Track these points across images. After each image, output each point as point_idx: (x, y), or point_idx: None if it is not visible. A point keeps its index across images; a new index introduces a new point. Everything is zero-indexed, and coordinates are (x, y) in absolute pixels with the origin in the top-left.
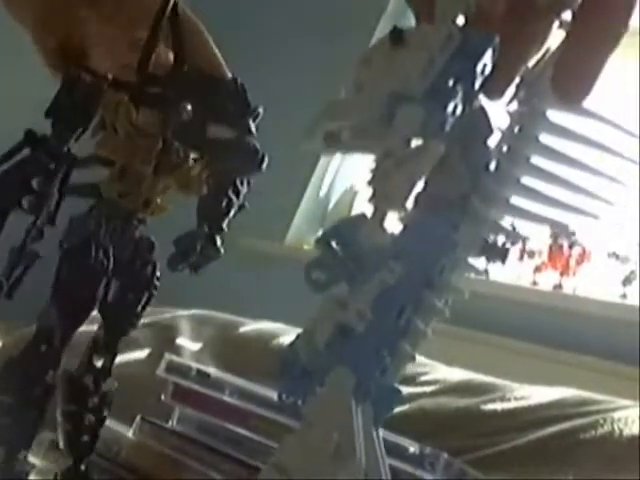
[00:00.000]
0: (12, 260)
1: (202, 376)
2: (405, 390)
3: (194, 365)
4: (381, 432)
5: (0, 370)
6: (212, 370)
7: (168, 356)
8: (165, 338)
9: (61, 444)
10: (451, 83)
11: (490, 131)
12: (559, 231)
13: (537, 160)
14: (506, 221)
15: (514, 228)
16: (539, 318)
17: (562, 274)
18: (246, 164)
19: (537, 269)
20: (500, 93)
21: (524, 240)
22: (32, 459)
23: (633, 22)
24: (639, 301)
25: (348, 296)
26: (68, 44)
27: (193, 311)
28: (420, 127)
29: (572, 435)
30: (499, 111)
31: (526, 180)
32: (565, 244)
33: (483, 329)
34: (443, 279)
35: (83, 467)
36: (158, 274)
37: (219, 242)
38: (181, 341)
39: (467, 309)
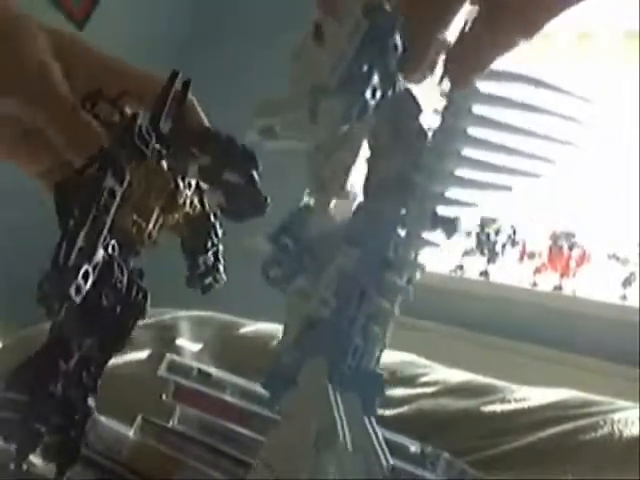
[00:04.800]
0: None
1: (203, 376)
2: (405, 391)
3: (195, 365)
4: (375, 421)
5: (16, 367)
6: (213, 370)
7: (169, 356)
8: (165, 338)
9: (42, 454)
10: (365, 68)
11: (419, 109)
12: (502, 190)
13: (474, 130)
14: (506, 222)
15: (514, 230)
16: (539, 319)
17: (562, 275)
18: (253, 207)
19: (537, 270)
20: (420, 73)
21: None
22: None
23: (633, 24)
24: (639, 302)
25: (310, 287)
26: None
27: (193, 311)
28: (342, 116)
29: (572, 436)
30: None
31: (466, 151)
32: (565, 245)
33: (483, 330)
34: (400, 257)
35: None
36: (148, 300)
37: (222, 269)
38: (181, 341)
39: (467, 310)
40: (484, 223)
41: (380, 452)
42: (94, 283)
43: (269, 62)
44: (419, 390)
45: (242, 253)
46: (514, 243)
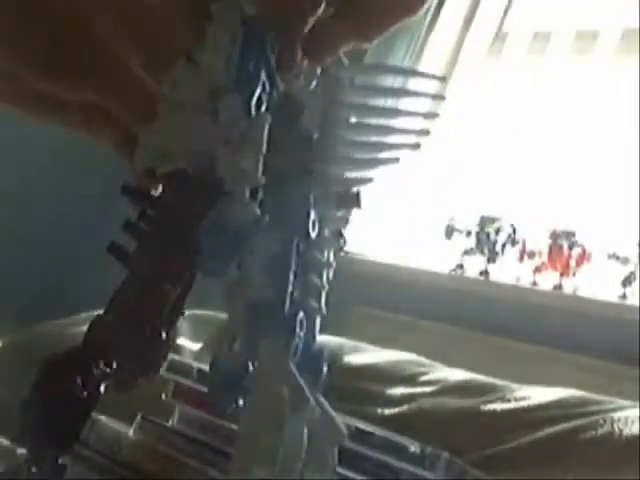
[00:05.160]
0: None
1: (203, 375)
2: (405, 390)
3: (195, 364)
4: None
5: (40, 370)
6: None
7: (169, 355)
8: None
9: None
10: (252, 68)
11: (301, 107)
12: (390, 163)
13: (355, 117)
14: (506, 222)
15: (514, 230)
16: (539, 318)
17: (562, 275)
18: None
19: (537, 269)
20: (289, 67)
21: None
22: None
23: (633, 23)
24: (639, 302)
25: (245, 275)
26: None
27: (193, 311)
28: (242, 109)
29: (572, 435)
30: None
31: (352, 136)
32: (565, 245)
33: (483, 329)
34: (318, 235)
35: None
36: None
37: None
38: (181, 341)
39: (467, 309)
40: (484, 222)
41: (340, 424)
42: None
43: None
44: (419, 389)
45: None
46: (514, 242)
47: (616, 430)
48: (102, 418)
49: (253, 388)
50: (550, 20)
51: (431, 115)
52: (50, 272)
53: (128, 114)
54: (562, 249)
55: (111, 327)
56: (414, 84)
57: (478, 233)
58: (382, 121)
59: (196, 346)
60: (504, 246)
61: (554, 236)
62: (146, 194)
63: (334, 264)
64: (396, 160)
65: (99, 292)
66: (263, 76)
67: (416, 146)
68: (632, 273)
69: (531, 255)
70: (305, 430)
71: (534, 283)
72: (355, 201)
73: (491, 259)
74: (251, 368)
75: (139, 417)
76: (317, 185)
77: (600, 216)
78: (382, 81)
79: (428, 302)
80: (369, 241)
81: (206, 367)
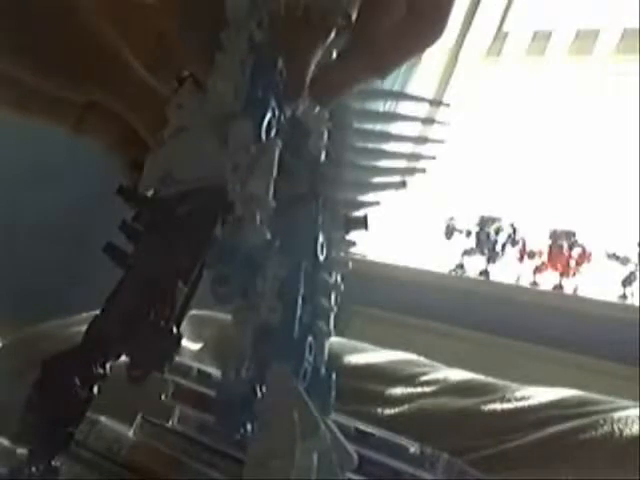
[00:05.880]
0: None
1: (203, 376)
2: (405, 390)
3: (195, 365)
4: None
5: (42, 369)
6: (213, 370)
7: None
8: None
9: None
10: (261, 93)
11: (307, 131)
12: (396, 188)
13: (361, 142)
14: (506, 222)
15: (515, 230)
16: (539, 318)
17: (562, 275)
18: None
19: (537, 270)
20: (297, 95)
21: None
22: None
23: (633, 23)
24: (639, 302)
25: (253, 299)
26: None
27: (193, 311)
28: (253, 134)
29: (572, 435)
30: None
31: (359, 160)
32: (565, 245)
33: (483, 329)
34: (326, 257)
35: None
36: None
37: None
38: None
39: (467, 309)
40: (484, 223)
41: (349, 449)
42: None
43: None
44: (419, 389)
45: None
46: (514, 242)
47: (616, 430)
48: (102, 418)
49: (262, 414)
50: (550, 20)
51: (438, 141)
52: (51, 272)
53: (130, 114)
54: (562, 249)
55: (116, 324)
56: (414, 108)
57: (478, 233)
58: (389, 145)
59: (196, 346)
60: (504, 246)
61: (554, 236)
62: (141, 195)
63: (342, 286)
64: (403, 185)
65: (99, 292)
66: (272, 102)
67: (422, 171)
68: (632, 273)
69: (531, 255)
70: (315, 457)
71: (534, 283)
72: (363, 224)
73: (491, 259)
74: (259, 394)
75: (139, 417)
76: (325, 208)
77: (600, 216)
78: (380, 105)
79: (428, 302)
80: (369, 241)
81: (206, 367)
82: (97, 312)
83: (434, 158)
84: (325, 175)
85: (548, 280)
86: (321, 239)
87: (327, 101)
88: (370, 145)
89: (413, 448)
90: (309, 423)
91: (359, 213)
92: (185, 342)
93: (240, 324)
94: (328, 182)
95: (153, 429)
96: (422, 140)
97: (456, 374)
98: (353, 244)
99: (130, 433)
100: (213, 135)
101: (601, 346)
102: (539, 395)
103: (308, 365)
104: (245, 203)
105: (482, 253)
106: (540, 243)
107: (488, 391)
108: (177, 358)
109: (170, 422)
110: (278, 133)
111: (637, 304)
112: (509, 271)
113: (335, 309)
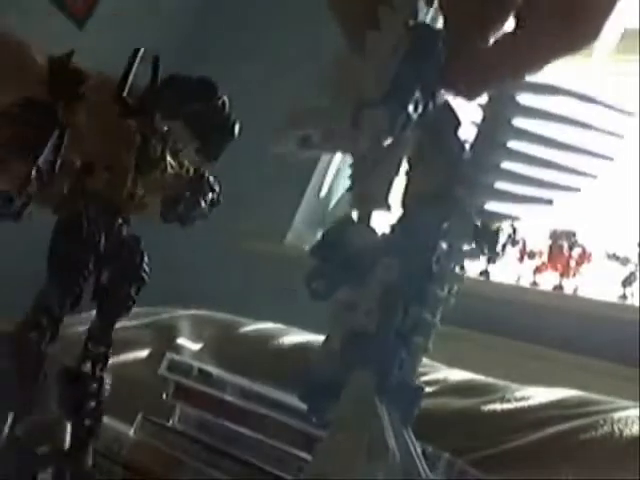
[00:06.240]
0: None
1: (203, 375)
2: None
3: (196, 364)
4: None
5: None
6: (213, 369)
7: (170, 355)
8: (165, 338)
9: (63, 435)
10: (408, 82)
11: (458, 122)
12: (543, 204)
13: (514, 144)
14: (505, 223)
15: (514, 230)
16: (539, 319)
17: (562, 275)
18: (222, 132)
19: (537, 270)
20: (477, 94)
21: (513, 225)
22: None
23: (633, 23)
24: (639, 302)
25: (353, 299)
26: None
27: (193, 311)
28: (386, 128)
29: (572, 436)
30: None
31: (506, 164)
32: (565, 245)
33: (483, 330)
34: (441, 268)
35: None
36: (147, 261)
37: (203, 204)
38: (181, 341)
39: (467, 309)
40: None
41: (420, 466)
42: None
43: (254, 77)
44: None
45: (241, 255)
46: (514, 242)
47: (616, 430)
48: (102, 418)
49: (333, 424)
50: None
51: (608, 157)
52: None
53: None
54: (562, 249)
55: None
56: (588, 113)
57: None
58: (546, 154)
59: (196, 346)
60: (504, 246)
61: (554, 236)
62: None
63: (452, 300)
64: (549, 202)
65: None
66: (417, 93)
67: (578, 190)
68: (632, 273)
69: (531, 255)
70: (381, 477)
71: (534, 283)
72: (495, 239)
73: (491, 259)
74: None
75: (140, 417)
76: (455, 213)
77: (600, 216)
78: (549, 103)
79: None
80: None
81: (206, 367)
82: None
83: (595, 177)
84: (464, 176)
85: (548, 280)
86: (441, 247)
87: (470, 94)
88: (526, 149)
89: None
90: (378, 445)
91: (491, 225)
92: (185, 342)
93: (335, 320)
94: (466, 184)
95: (153, 429)
96: (590, 153)
97: (456, 374)
98: (477, 258)
99: (130, 433)
100: (348, 117)
101: (601, 346)
102: (539, 395)
103: (395, 381)
104: (360, 201)
105: (482, 253)
106: (540, 243)
107: (488, 391)
108: (177, 358)
109: (170, 422)
110: (417, 124)
111: (637, 304)
112: (509, 271)
113: (438, 325)
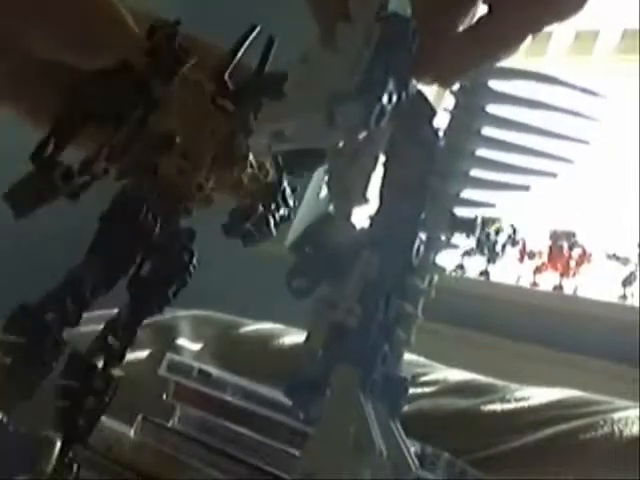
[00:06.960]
0: None
1: (203, 376)
2: None
3: (195, 364)
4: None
5: (13, 315)
6: (213, 370)
7: (170, 355)
8: (165, 338)
9: (51, 422)
10: (381, 74)
11: (432, 112)
12: (519, 190)
13: (488, 130)
14: (506, 222)
15: (515, 230)
16: (539, 319)
17: (562, 275)
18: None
19: (537, 270)
20: (450, 81)
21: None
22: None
23: (633, 23)
24: (639, 302)
25: (334, 296)
26: None
27: (193, 311)
28: (362, 121)
29: (572, 436)
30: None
31: (481, 151)
32: (565, 245)
33: (483, 330)
34: (421, 260)
35: (70, 453)
36: (195, 262)
37: (272, 223)
38: (181, 341)
39: (467, 310)
40: (484, 223)
41: (409, 460)
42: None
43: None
44: (419, 390)
45: (241, 255)
46: (514, 243)
47: (616, 430)
48: (102, 418)
49: (319, 422)
50: None
51: (584, 140)
52: (51, 271)
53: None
54: (562, 249)
55: None
56: (560, 97)
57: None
58: (521, 139)
59: (196, 346)
60: (504, 246)
61: (554, 236)
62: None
63: (432, 291)
64: (526, 188)
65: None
66: (391, 84)
67: (553, 175)
68: (632, 273)
69: (531, 255)
70: (368, 473)
71: (534, 283)
72: (472, 227)
73: (491, 260)
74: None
75: (139, 417)
76: (431, 203)
77: (600, 216)
78: (521, 88)
79: (428, 303)
80: None
81: (206, 367)
82: (98, 312)
83: (572, 162)
84: (439, 163)
85: (548, 281)
86: (419, 241)
87: (446, 81)
88: (500, 135)
89: (414, 448)
90: (364, 440)
91: (468, 214)
92: (185, 342)
93: (316, 315)
94: (441, 172)
95: (153, 429)
96: (566, 137)
97: (456, 374)
98: (455, 247)
99: (130, 433)
100: (321, 110)
101: (601, 346)
102: (539, 395)
103: (378, 376)
104: (338, 197)
105: (482, 254)
106: (540, 243)
107: (488, 391)
108: (177, 358)
109: (170, 422)
110: (392, 115)
111: (637, 304)
112: (509, 271)
113: (420, 317)
